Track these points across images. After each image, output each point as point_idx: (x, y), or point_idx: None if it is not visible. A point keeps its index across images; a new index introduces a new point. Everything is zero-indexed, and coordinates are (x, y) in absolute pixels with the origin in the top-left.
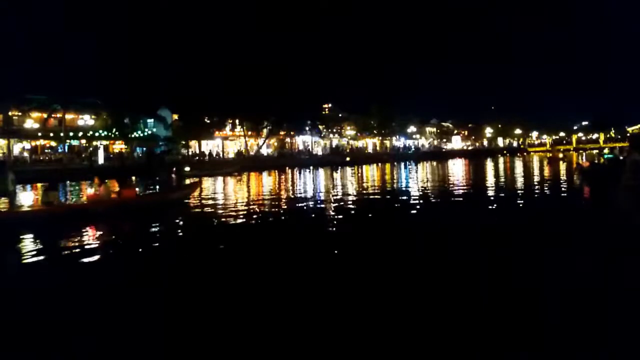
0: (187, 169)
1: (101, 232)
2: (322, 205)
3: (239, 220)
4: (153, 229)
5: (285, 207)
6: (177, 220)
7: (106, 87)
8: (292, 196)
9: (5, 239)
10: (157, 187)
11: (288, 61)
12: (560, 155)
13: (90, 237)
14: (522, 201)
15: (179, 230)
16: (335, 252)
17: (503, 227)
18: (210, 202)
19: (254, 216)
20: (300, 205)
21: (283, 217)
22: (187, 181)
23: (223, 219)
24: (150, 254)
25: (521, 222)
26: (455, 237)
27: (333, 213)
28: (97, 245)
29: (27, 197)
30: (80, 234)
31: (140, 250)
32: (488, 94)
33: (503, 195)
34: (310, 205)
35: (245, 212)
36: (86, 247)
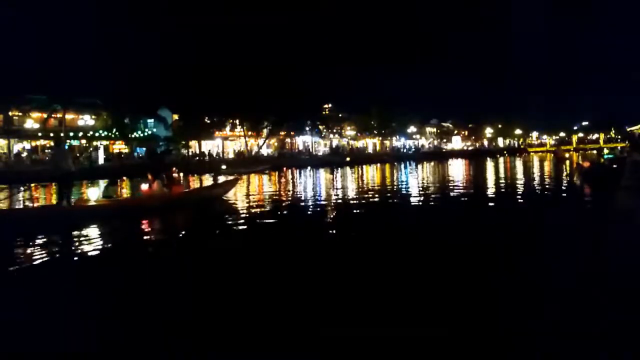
0: (224, 167)
1: (161, 224)
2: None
3: (274, 213)
4: (201, 221)
5: (309, 202)
6: (223, 214)
7: (106, 87)
8: (316, 193)
9: (87, 229)
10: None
11: (288, 61)
12: (567, 155)
13: (154, 227)
14: (521, 201)
15: (225, 223)
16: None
17: (503, 226)
18: (246, 197)
19: (288, 210)
20: (326, 199)
21: (312, 211)
22: (224, 178)
23: (256, 212)
24: (207, 240)
25: (521, 222)
26: (457, 237)
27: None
28: (161, 235)
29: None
30: (145, 225)
31: (198, 237)
32: (488, 94)
33: (503, 195)
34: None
35: (278, 205)
36: (157, 236)
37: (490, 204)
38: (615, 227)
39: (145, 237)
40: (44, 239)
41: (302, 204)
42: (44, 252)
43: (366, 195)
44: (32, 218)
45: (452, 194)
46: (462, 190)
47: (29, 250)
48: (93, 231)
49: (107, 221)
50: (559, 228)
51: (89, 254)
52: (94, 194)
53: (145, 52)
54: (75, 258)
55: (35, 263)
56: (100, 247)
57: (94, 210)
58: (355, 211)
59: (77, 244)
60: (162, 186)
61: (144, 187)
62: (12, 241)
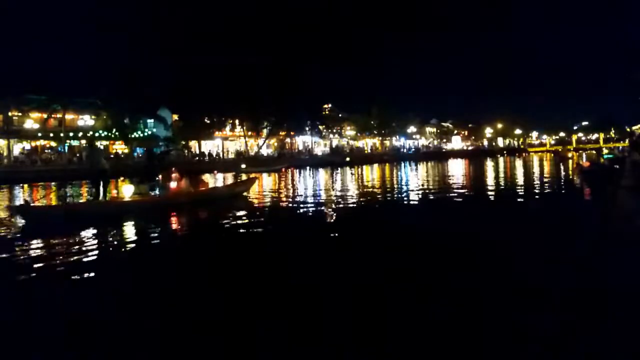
0: (243, 165)
1: (189, 217)
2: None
3: (290, 208)
4: (228, 216)
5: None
6: (244, 210)
7: (106, 87)
8: (332, 190)
9: (127, 223)
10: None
11: (288, 61)
12: (570, 154)
13: (183, 222)
14: (521, 201)
15: (249, 218)
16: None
17: (502, 226)
18: (264, 194)
19: (304, 206)
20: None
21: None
22: (244, 177)
23: (274, 207)
24: (235, 232)
25: (520, 222)
26: (459, 236)
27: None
28: (189, 228)
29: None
30: (177, 219)
31: (227, 228)
32: (488, 93)
33: (502, 195)
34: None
35: (293, 202)
36: (190, 229)
37: (490, 203)
38: (615, 227)
39: (179, 229)
40: (95, 231)
41: (314, 202)
42: (99, 241)
43: (370, 195)
44: (76, 213)
45: (454, 194)
46: (463, 191)
47: (88, 241)
48: (134, 224)
49: (143, 215)
50: (559, 228)
51: (142, 243)
52: (128, 190)
53: (145, 52)
54: (133, 245)
55: (94, 252)
56: (154, 236)
57: (129, 205)
58: (358, 210)
59: (127, 234)
60: (188, 184)
61: (173, 184)
62: (68, 232)
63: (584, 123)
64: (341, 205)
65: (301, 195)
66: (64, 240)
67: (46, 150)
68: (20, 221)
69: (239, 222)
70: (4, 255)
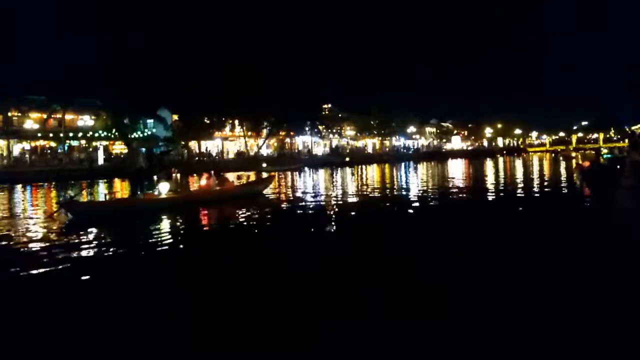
0: (264, 165)
1: (222, 212)
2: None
3: (305, 204)
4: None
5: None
6: (266, 206)
7: (106, 87)
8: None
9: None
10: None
11: (288, 61)
12: (573, 154)
13: (214, 216)
14: (521, 201)
15: (269, 213)
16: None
17: (502, 225)
18: (281, 192)
19: (322, 203)
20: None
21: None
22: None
23: (291, 205)
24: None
25: (519, 223)
26: (460, 236)
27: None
28: (222, 222)
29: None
30: (210, 213)
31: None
32: (488, 93)
33: (502, 195)
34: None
35: (314, 200)
36: (224, 221)
37: (489, 204)
38: (615, 227)
39: (211, 223)
40: (140, 224)
41: (327, 198)
42: (146, 233)
43: (374, 194)
44: (119, 208)
45: (454, 195)
46: (463, 192)
47: (137, 233)
48: (175, 218)
49: (178, 210)
50: (559, 228)
51: (185, 234)
52: (164, 187)
53: (145, 52)
54: (179, 238)
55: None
56: (202, 228)
57: (165, 202)
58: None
59: (169, 227)
60: (215, 182)
61: (202, 182)
62: (114, 227)
63: (584, 123)
64: (346, 203)
65: (316, 194)
66: (119, 231)
67: (46, 151)
68: (68, 216)
69: (263, 217)
70: (65, 246)
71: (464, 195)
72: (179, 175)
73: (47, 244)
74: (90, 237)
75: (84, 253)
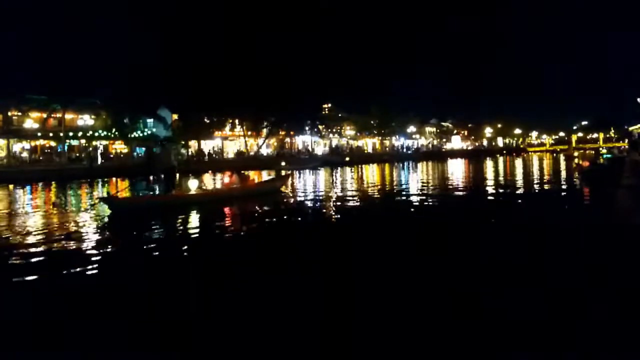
0: (283, 163)
1: (244, 209)
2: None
3: (317, 200)
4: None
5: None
6: (284, 204)
7: (106, 87)
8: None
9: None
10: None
11: (288, 61)
12: (576, 153)
13: (238, 212)
14: (521, 201)
15: (287, 209)
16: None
17: (502, 225)
18: (298, 189)
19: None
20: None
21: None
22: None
23: (306, 201)
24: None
25: (519, 223)
26: (460, 236)
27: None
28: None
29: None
30: (238, 209)
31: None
32: (488, 93)
33: (502, 194)
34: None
35: (326, 197)
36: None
37: (489, 204)
38: (615, 227)
39: (236, 219)
40: (175, 218)
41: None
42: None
43: (375, 194)
44: (154, 204)
45: (454, 195)
46: (463, 192)
47: (175, 226)
48: (207, 212)
49: (206, 206)
50: (559, 227)
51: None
52: (193, 185)
53: (145, 52)
54: (217, 231)
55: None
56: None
57: (194, 198)
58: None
59: (203, 221)
60: (238, 180)
61: (226, 180)
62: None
63: (584, 123)
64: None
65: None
66: (161, 225)
67: (46, 150)
68: (107, 211)
69: (282, 214)
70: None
71: (464, 195)
72: (231, 171)
73: (101, 234)
74: (137, 228)
75: (140, 240)
